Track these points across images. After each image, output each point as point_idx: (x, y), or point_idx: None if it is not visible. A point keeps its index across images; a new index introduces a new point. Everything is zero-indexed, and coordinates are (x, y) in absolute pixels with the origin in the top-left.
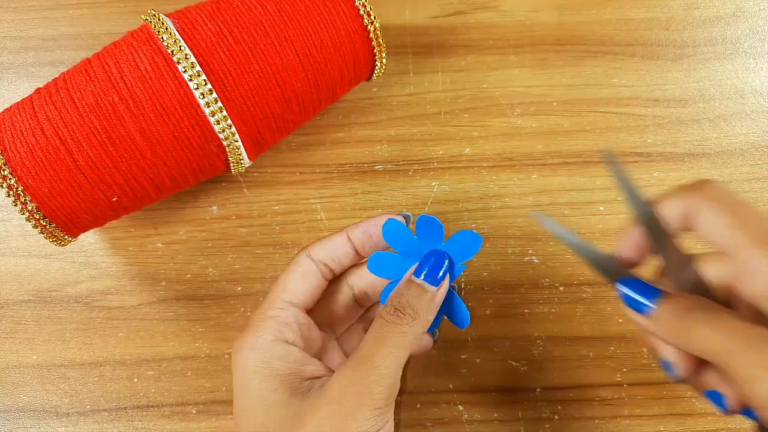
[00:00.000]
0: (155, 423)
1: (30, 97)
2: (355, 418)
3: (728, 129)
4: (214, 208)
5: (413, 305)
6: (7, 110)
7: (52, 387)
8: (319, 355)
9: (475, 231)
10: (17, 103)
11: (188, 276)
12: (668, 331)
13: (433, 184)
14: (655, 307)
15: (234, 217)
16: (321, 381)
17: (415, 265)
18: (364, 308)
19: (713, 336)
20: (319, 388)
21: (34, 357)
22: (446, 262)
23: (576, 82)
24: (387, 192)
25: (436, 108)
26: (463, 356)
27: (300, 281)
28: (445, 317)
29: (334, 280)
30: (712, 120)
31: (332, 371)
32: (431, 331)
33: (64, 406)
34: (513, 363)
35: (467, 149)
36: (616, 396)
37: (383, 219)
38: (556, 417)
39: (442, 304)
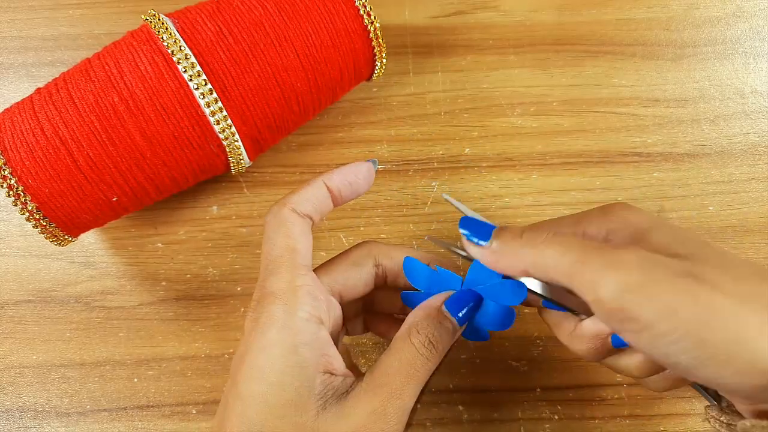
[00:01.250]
0: (155, 423)
1: (30, 97)
2: None
3: (728, 129)
4: (214, 208)
5: (444, 342)
6: (7, 110)
7: (52, 387)
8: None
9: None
10: (17, 103)
11: (188, 276)
12: (508, 259)
13: (433, 184)
14: (491, 238)
15: (234, 217)
16: (335, 384)
17: (448, 293)
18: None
19: (548, 254)
20: (336, 401)
21: (34, 357)
22: (474, 302)
23: (576, 82)
24: (387, 192)
25: (436, 108)
26: (463, 356)
27: (303, 240)
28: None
29: (354, 250)
30: (712, 120)
31: (349, 372)
32: (483, 339)
33: (64, 406)
34: (513, 363)
35: (467, 149)
36: (616, 396)
37: (358, 164)
38: (556, 417)
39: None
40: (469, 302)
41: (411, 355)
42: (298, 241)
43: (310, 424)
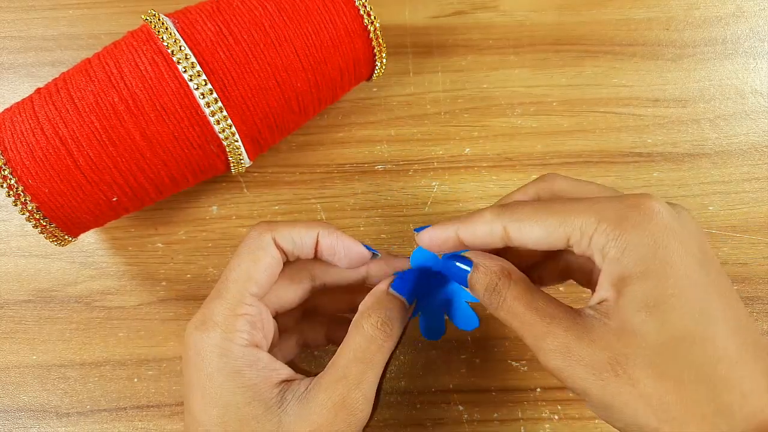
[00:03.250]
0: (155, 423)
1: (30, 97)
2: None
3: (728, 129)
4: (214, 208)
5: (396, 321)
6: (7, 110)
7: (52, 387)
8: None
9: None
10: (17, 103)
11: (188, 276)
12: (481, 297)
13: (433, 184)
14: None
15: (234, 217)
16: (291, 391)
17: (392, 278)
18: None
19: (507, 317)
20: (296, 404)
21: (34, 357)
22: (415, 279)
23: (576, 82)
24: (387, 192)
25: (436, 108)
26: (463, 356)
27: (266, 272)
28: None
29: (291, 266)
30: (712, 120)
31: (295, 372)
32: (436, 339)
33: (64, 406)
34: (513, 363)
35: (467, 149)
36: None
37: (355, 244)
38: (556, 417)
39: (447, 309)
40: (413, 280)
41: (365, 340)
42: (261, 272)
43: (273, 430)
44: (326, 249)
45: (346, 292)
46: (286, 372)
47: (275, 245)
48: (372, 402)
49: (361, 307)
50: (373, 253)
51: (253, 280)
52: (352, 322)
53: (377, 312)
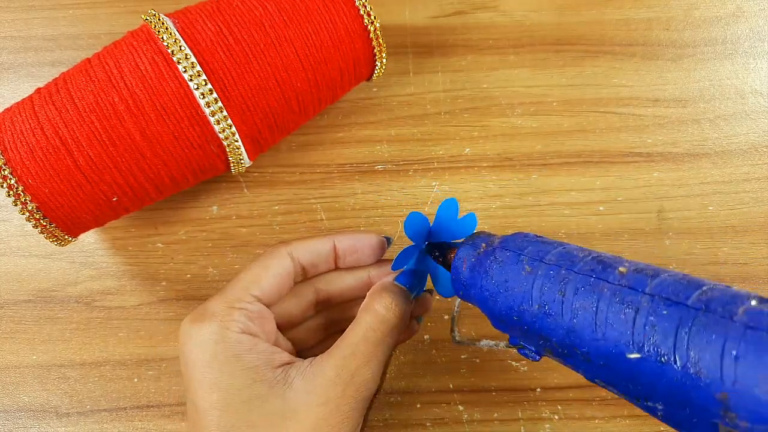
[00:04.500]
0: (155, 423)
1: (30, 97)
2: (350, 422)
3: (728, 129)
4: (214, 208)
5: (402, 306)
6: (7, 110)
7: (52, 387)
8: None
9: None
10: (17, 103)
11: (188, 276)
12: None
13: (433, 184)
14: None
15: (234, 217)
16: (295, 368)
17: (395, 273)
18: (318, 311)
19: None
20: (301, 379)
21: (34, 357)
22: (422, 277)
23: (576, 82)
24: (387, 192)
25: (436, 108)
26: (463, 356)
27: (274, 279)
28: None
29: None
30: (712, 120)
31: (297, 357)
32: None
33: (64, 406)
34: (513, 363)
35: (467, 149)
36: (616, 396)
37: (371, 236)
38: (556, 417)
39: (429, 276)
40: (413, 276)
41: (377, 320)
42: (267, 277)
43: (279, 407)
44: (348, 249)
45: (355, 305)
46: (288, 357)
47: (290, 257)
48: (378, 382)
49: (369, 293)
50: (387, 239)
51: (258, 284)
52: (361, 307)
53: (388, 294)
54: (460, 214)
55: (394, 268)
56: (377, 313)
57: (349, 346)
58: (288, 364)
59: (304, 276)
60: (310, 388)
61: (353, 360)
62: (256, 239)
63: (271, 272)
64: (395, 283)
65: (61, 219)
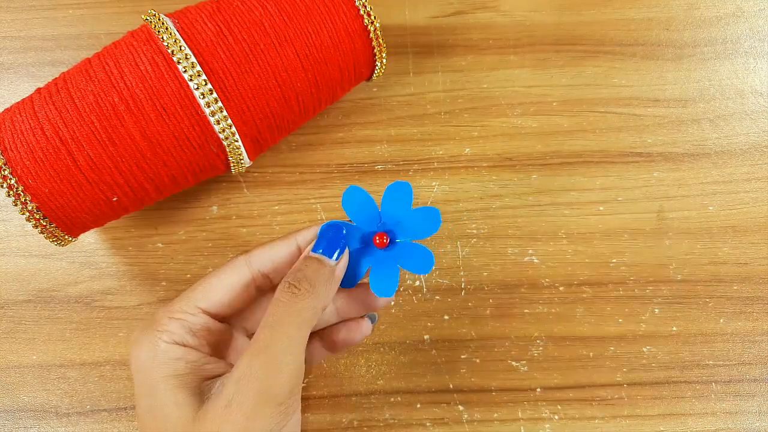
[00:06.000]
0: None
1: (30, 97)
2: (256, 419)
3: (728, 129)
4: (214, 208)
5: (310, 279)
6: (7, 110)
7: (52, 387)
8: (224, 350)
9: (435, 210)
10: (17, 103)
11: (188, 276)
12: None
13: (433, 184)
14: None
15: (234, 217)
16: (222, 379)
17: (312, 242)
18: (264, 294)
19: None
20: (219, 388)
21: (34, 357)
22: (343, 234)
23: (576, 82)
24: None
25: (436, 108)
26: (463, 356)
27: (225, 290)
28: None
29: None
30: (712, 120)
31: (232, 367)
32: (389, 296)
33: (64, 406)
34: (513, 363)
35: (467, 149)
36: (616, 396)
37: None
38: (556, 417)
39: (400, 258)
40: (327, 233)
41: (274, 306)
42: (218, 290)
43: (191, 414)
44: (308, 245)
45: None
46: (221, 366)
47: (248, 267)
48: (289, 368)
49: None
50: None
51: (207, 295)
52: None
53: (288, 277)
54: (415, 204)
55: (315, 251)
56: (274, 299)
57: (254, 342)
58: (220, 375)
59: (270, 284)
60: (218, 394)
61: (251, 350)
62: (256, 239)
63: (223, 284)
64: (308, 256)
65: (61, 219)
